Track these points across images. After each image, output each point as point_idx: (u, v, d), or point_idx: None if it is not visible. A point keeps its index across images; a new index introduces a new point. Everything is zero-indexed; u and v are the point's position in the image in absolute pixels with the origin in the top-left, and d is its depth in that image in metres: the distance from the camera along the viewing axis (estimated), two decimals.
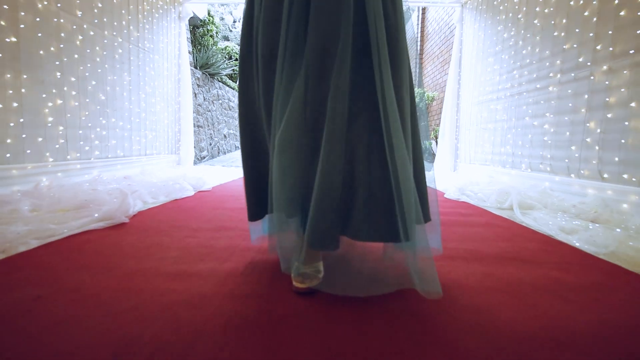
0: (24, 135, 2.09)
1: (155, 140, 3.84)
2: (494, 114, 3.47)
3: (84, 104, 2.62)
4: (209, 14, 6.53)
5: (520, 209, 2.01)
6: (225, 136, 7.15)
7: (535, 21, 2.77)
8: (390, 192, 0.81)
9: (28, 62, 2.11)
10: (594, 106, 2.13)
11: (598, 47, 2.11)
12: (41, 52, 2.21)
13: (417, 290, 0.82)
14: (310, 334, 0.71)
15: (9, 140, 2.00)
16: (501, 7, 3.36)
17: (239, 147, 1.16)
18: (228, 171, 4.36)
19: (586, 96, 2.19)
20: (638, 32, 1.84)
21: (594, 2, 2.15)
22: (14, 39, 2.01)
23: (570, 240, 1.43)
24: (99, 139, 2.83)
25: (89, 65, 2.67)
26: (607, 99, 2.03)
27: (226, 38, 11.13)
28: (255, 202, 1.10)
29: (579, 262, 1.18)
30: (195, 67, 5.85)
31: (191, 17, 5.34)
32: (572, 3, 2.35)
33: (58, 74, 2.36)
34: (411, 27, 8.15)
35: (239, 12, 12.09)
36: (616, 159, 1.96)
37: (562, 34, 2.44)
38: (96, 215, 1.56)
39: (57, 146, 2.37)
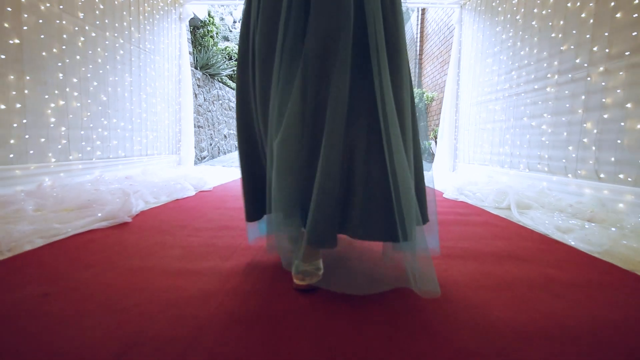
0: (27, 136, 2.12)
1: (156, 141, 3.87)
2: (492, 114, 3.49)
3: (85, 104, 2.65)
4: (209, 14, 6.55)
5: (518, 209, 2.04)
6: (225, 136, 7.18)
7: (533, 22, 2.79)
8: (388, 193, 0.82)
9: (31, 63, 2.13)
10: (590, 107, 2.16)
11: (595, 49, 2.14)
12: (44, 53, 2.23)
13: (414, 290, 0.84)
14: (310, 329, 0.73)
15: (12, 141, 2.03)
16: (500, 9, 3.38)
17: None
18: (228, 171, 4.38)
19: (583, 97, 2.22)
20: (634, 34, 1.86)
21: (591, 4, 2.17)
22: (17, 41, 2.04)
23: (565, 239, 1.45)
24: (101, 139, 2.85)
25: (90, 66, 2.69)
26: (604, 100, 2.05)
27: (226, 38, 11.16)
28: (253, 202, 1.11)
29: (573, 261, 1.20)
30: (196, 68, 5.88)
31: (191, 18, 5.36)
32: (569, 5, 2.37)
33: (60, 75, 2.38)
34: (410, 29, 8.18)
35: (239, 12, 12.10)
36: (612, 159, 1.98)
37: (560, 35, 2.46)
38: (99, 214, 1.58)
39: (60, 147, 2.40)
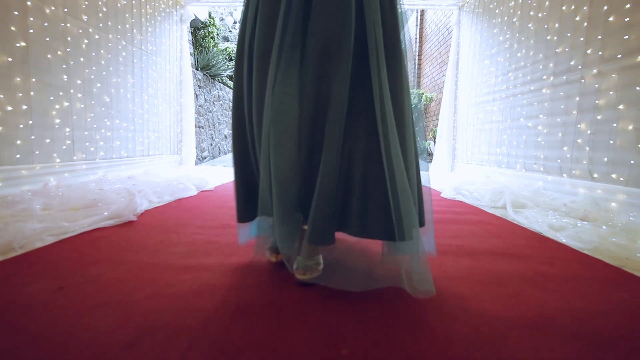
0: (32, 137, 2.17)
1: (157, 141, 3.91)
2: (490, 115, 3.54)
3: (89, 106, 2.70)
4: (209, 16, 6.60)
5: (513, 208, 2.08)
6: (226, 137, 7.22)
7: (530, 25, 2.84)
8: (386, 192, 0.84)
9: (37, 65, 2.18)
10: (584, 108, 2.21)
11: (588, 51, 2.18)
12: (49, 55, 2.28)
13: (407, 291, 0.87)
14: (311, 319, 0.78)
15: (18, 142, 2.07)
16: (497, 11, 3.43)
17: None
18: (229, 171, 4.43)
19: (577, 98, 2.27)
20: (625, 37, 1.91)
21: (585, 8, 2.22)
22: (23, 44, 2.08)
23: (557, 236, 1.50)
24: (104, 140, 2.90)
25: (94, 68, 2.74)
26: (597, 102, 2.10)
27: (226, 39, 11.20)
28: (245, 204, 1.10)
29: (563, 257, 1.25)
30: (197, 69, 5.92)
31: (192, 20, 5.40)
32: (564, 8, 2.42)
33: (65, 76, 2.43)
34: (408, 31, 8.22)
35: (239, 13, 12.12)
36: (605, 159, 2.03)
37: (555, 37, 2.51)
38: (105, 213, 1.63)
39: (64, 147, 2.44)
